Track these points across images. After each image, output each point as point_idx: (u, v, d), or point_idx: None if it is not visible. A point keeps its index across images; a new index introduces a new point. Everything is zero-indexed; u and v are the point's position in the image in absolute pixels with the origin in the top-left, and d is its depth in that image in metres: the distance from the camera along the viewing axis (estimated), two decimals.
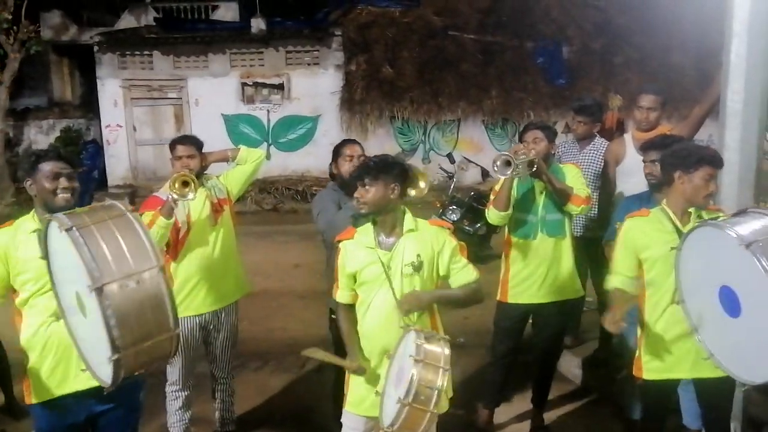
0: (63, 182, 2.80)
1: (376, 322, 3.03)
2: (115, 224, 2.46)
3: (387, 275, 2.96)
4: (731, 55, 3.52)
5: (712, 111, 4.23)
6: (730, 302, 2.75)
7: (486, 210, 4.15)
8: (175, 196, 3.63)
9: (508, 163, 3.77)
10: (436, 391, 2.63)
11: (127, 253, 2.41)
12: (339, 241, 3.14)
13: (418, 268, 2.96)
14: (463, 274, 3.05)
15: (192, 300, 3.99)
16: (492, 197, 4.08)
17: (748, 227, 2.66)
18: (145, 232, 2.46)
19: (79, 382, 2.80)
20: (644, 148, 3.93)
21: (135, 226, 2.47)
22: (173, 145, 4.03)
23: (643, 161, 3.90)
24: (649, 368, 3.22)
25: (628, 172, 4.51)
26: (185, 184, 3.67)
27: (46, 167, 2.81)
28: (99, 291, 2.30)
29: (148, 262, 2.41)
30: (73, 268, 2.40)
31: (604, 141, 5.07)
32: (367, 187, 2.94)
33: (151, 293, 2.41)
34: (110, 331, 2.32)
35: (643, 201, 3.77)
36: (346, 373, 3.21)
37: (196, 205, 3.93)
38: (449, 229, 3.13)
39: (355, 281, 3.07)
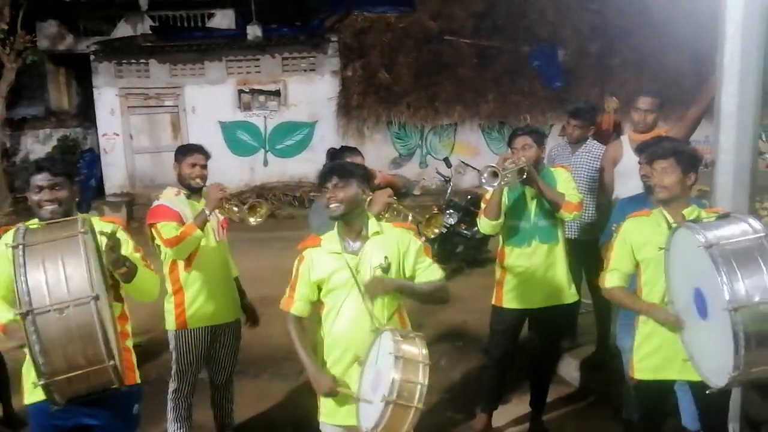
0: (45, 194, 2.83)
1: (347, 327, 2.99)
2: (62, 246, 2.46)
3: (356, 279, 2.95)
4: (725, 58, 3.52)
5: (707, 111, 4.24)
6: (701, 304, 2.77)
7: (478, 219, 4.15)
8: (250, 220, 3.94)
9: (495, 174, 3.75)
10: (419, 386, 2.62)
11: (65, 279, 2.40)
12: (302, 249, 3.11)
13: (386, 269, 2.96)
14: (429, 272, 3.05)
15: (205, 311, 3.98)
16: (483, 206, 4.08)
17: (718, 230, 2.68)
18: (87, 260, 2.45)
19: None
20: (640, 149, 3.93)
21: (81, 251, 2.46)
22: (189, 151, 3.98)
23: (639, 163, 3.90)
24: (641, 368, 3.23)
25: (625, 174, 4.51)
26: (254, 208, 3.96)
27: (32, 181, 2.85)
28: (24, 315, 2.32)
29: (83, 291, 2.40)
30: None
31: (596, 143, 5.07)
32: (340, 185, 2.92)
33: (82, 324, 2.39)
34: (35, 358, 2.34)
35: (639, 202, 3.78)
36: None
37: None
38: (413, 230, 3.15)
39: (320, 290, 3.04)
